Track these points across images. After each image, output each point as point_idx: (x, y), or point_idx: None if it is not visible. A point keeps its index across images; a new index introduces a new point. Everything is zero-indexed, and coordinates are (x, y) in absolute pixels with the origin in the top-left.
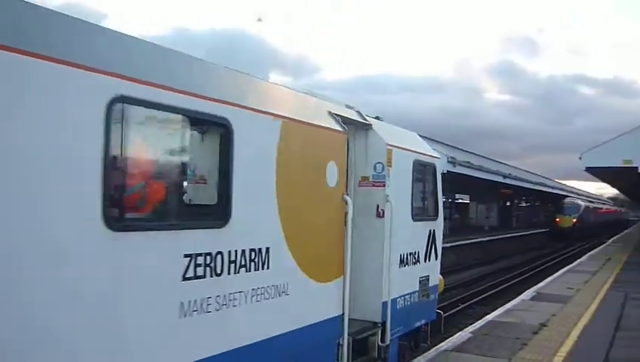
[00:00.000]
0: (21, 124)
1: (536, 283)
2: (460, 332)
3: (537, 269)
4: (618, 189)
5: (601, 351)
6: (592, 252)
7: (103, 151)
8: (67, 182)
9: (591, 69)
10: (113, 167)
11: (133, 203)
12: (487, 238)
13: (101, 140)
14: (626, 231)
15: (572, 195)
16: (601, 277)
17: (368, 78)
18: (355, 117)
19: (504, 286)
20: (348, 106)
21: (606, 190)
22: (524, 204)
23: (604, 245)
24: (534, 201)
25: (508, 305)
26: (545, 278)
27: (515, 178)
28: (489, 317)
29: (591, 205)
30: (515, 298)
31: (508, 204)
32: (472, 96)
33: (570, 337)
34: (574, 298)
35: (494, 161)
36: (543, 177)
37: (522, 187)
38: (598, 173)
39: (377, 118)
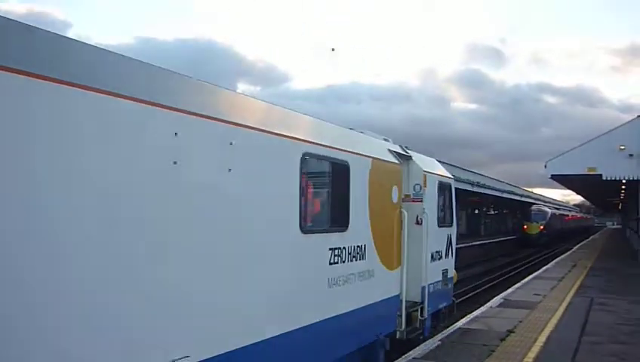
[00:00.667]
0: (275, 177)
1: (504, 290)
2: (428, 340)
3: (505, 276)
4: (583, 196)
5: (567, 356)
6: (558, 258)
7: (299, 186)
8: (287, 205)
9: (554, 79)
10: (302, 196)
11: (309, 217)
12: (456, 246)
13: (297, 179)
14: (591, 238)
15: (539, 203)
16: (567, 283)
17: (338, 88)
18: (401, 151)
19: (472, 293)
20: (400, 146)
21: (572, 197)
22: (492, 212)
23: (571, 251)
24: (503, 209)
25: (476, 312)
26: (512, 285)
27: (484, 186)
28: (457, 324)
29: (557, 212)
30: (483, 305)
31: (476, 211)
32: (440, 105)
33: (536, 343)
34: (541, 304)
35: (462, 169)
36: (511, 185)
37: (491, 195)
38: (564, 180)
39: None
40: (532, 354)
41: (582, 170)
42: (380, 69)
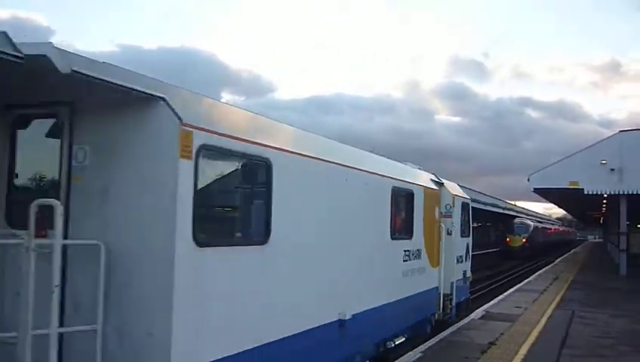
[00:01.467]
0: (378, 203)
1: (486, 303)
2: (410, 352)
3: (488, 289)
4: (565, 210)
5: None
6: (540, 271)
7: (390, 210)
8: (384, 221)
9: (536, 93)
10: (391, 215)
11: (394, 229)
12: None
13: (389, 205)
14: (573, 251)
15: (522, 216)
16: (548, 296)
17: (322, 99)
18: (436, 179)
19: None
20: (434, 174)
21: (554, 210)
22: (475, 224)
23: (552, 264)
24: (486, 222)
25: (458, 324)
26: (495, 297)
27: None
28: (439, 336)
29: (540, 225)
30: (465, 317)
31: None
32: (424, 118)
33: (517, 355)
34: (523, 316)
35: None
36: (494, 198)
37: (474, 207)
38: (546, 194)
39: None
40: None
41: (564, 184)
42: (363, 81)
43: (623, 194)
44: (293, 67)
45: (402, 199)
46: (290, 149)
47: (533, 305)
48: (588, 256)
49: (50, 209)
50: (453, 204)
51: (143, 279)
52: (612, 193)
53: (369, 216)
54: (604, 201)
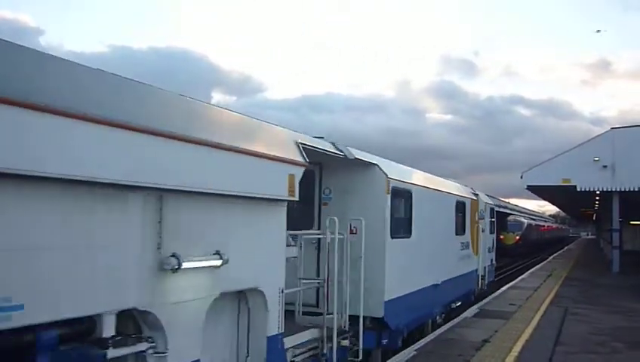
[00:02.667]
0: (447, 211)
1: (479, 300)
2: (404, 350)
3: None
4: (558, 207)
5: None
6: (534, 268)
7: (454, 215)
8: (451, 224)
9: (527, 91)
10: (454, 219)
11: (455, 229)
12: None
13: (453, 212)
14: (566, 248)
15: (515, 213)
16: (542, 293)
17: (313, 98)
18: (475, 192)
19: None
20: (471, 188)
21: (547, 207)
22: None
23: (546, 261)
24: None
25: (452, 322)
26: (488, 295)
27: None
28: (433, 334)
29: (533, 223)
30: (459, 315)
31: None
32: (415, 116)
33: (511, 353)
34: (516, 314)
35: None
36: (487, 195)
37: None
38: (539, 191)
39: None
40: None
41: (557, 181)
42: (355, 80)
43: (616, 190)
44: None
45: (459, 208)
46: (420, 184)
47: (527, 302)
48: (581, 252)
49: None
50: (485, 209)
51: (369, 255)
52: (604, 190)
53: (446, 220)
54: (597, 198)
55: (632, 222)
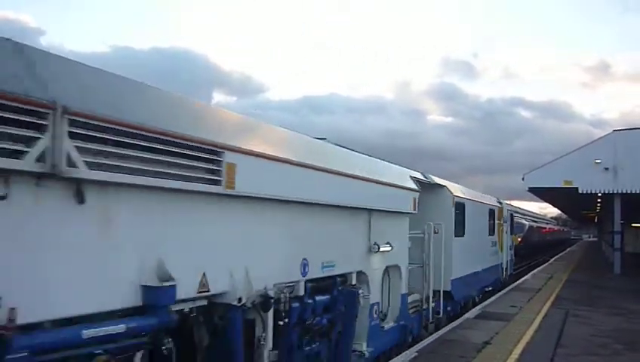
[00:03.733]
0: (483, 218)
1: (481, 302)
2: (406, 351)
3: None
4: (560, 209)
5: None
6: (535, 270)
7: (488, 220)
8: (485, 227)
9: (527, 93)
10: (488, 223)
11: (489, 230)
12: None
13: (487, 218)
14: (568, 250)
15: (518, 215)
16: (543, 295)
17: (314, 99)
18: (499, 200)
19: None
20: (497, 198)
21: (548, 209)
22: None
23: (547, 263)
24: None
25: (453, 324)
26: (490, 296)
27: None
28: (435, 335)
29: (535, 225)
30: (460, 316)
31: None
32: (415, 118)
33: (512, 355)
34: (518, 316)
35: None
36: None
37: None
38: (541, 193)
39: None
40: None
41: (558, 183)
42: (356, 82)
43: (617, 193)
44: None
45: (491, 215)
46: (470, 198)
47: (528, 303)
48: (583, 254)
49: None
50: (507, 215)
51: (441, 248)
52: (606, 192)
53: (483, 224)
54: (599, 200)
55: (633, 225)
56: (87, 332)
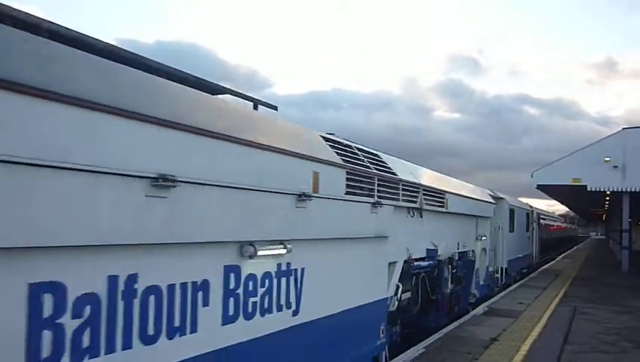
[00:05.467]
0: (523, 221)
1: (488, 298)
2: (413, 347)
3: None
4: (568, 207)
5: None
6: (542, 267)
7: (525, 221)
8: (525, 227)
9: (533, 90)
10: (525, 222)
11: (526, 227)
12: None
13: (525, 219)
14: (575, 248)
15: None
16: (551, 292)
17: (320, 94)
18: (530, 206)
19: None
20: (528, 204)
21: (556, 207)
22: None
23: (555, 261)
24: None
25: (460, 320)
26: (497, 294)
27: None
28: (442, 331)
29: (543, 222)
30: (467, 313)
31: None
32: (422, 114)
33: (519, 352)
34: (525, 313)
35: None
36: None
37: None
38: (549, 190)
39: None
40: None
41: (567, 181)
42: (362, 77)
43: (626, 191)
44: (291, 62)
45: (527, 216)
46: (516, 205)
47: (535, 301)
48: (590, 252)
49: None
50: (536, 217)
51: (502, 240)
52: (615, 190)
53: (522, 223)
54: (607, 198)
55: None
56: (421, 264)
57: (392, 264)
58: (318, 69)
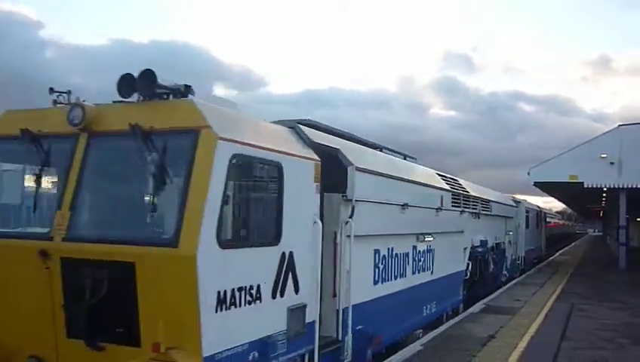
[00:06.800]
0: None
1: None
2: (410, 345)
3: None
4: (565, 203)
5: (546, 361)
6: (540, 264)
7: (535, 220)
8: (535, 220)
9: (529, 87)
10: (538, 220)
11: (537, 223)
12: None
13: (535, 219)
14: (573, 244)
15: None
16: (548, 289)
17: (315, 93)
18: (539, 207)
19: None
20: (538, 206)
21: (553, 204)
22: None
23: (552, 257)
24: None
25: (458, 317)
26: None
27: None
28: (439, 329)
29: (549, 221)
30: (465, 310)
31: None
32: (418, 112)
33: (517, 348)
34: (522, 310)
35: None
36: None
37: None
38: (546, 187)
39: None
40: (513, 359)
41: (564, 178)
42: (358, 75)
43: (623, 187)
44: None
45: (537, 215)
46: (531, 208)
47: (533, 297)
48: (588, 249)
49: None
50: (544, 216)
51: (520, 235)
52: (612, 186)
53: (534, 220)
54: (604, 195)
55: (639, 219)
56: (478, 250)
57: (465, 249)
58: (314, 68)
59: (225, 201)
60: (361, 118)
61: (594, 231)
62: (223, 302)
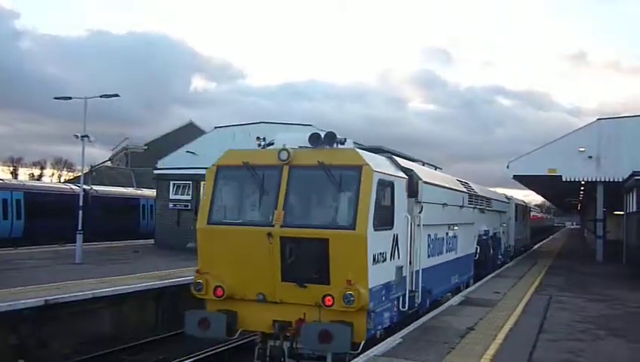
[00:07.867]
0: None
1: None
2: (389, 338)
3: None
4: (544, 197)
5: (524, 352)
6: (519, 257)
7: (523, 212)
8: (522, 214)
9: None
10: (523, 213)
11: (523, 219)
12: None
13: (523, 211)
14: (551, 237)
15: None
16: (526, 281)
17: (294, 85)
18: (525, 202)
19: None
20: (523, 201)
21: (532, 197)
22: None
23: (531, 250)
24: None
25: (437, 310)
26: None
27: None
28: (419, 322)
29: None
30: (444, 303)
31: None
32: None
33: (496, 340)
34: (501, 302)
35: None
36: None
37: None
38: (525, 180)
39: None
40: (491, 351)
41: (543, 171)
42: (336, 68)
43: (600, 181)
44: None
45: (524, 209)
46: (519, 203)
47: (511, 290)
48: (566, 242)
49: None
50: (529, 211)
51: (510, 226)
52: (589, 180)
53: (523, 214)
54: (582, 188)
55: (615, 212)
56: (482, 237)
57: (474, 236)
58: (293, 60)
59: (375, 204)
60: (339, 111)
61: (572, 224)
62: (375, 260)
